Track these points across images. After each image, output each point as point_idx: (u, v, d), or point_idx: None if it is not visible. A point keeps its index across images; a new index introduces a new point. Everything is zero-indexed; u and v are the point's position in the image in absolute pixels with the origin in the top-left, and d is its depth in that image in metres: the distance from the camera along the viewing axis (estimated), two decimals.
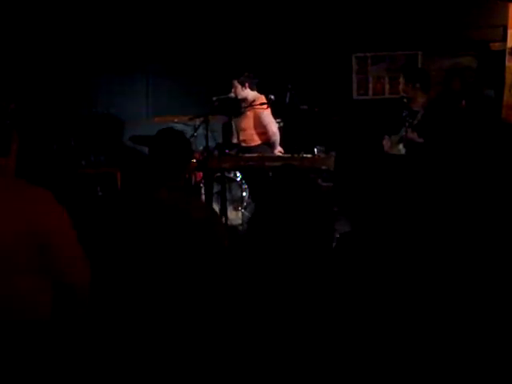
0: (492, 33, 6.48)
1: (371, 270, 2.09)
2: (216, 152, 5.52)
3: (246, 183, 5.97)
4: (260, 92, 5.95)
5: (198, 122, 5.49)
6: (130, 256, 2.58)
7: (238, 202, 5.95)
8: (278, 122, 6.06)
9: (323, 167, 5.08)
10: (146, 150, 2.98)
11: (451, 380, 1.94)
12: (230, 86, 5.93)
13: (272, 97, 5.60)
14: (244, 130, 5.98)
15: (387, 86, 6.95)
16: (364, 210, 5.06)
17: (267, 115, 5.86)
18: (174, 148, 2.70)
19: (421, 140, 4.89)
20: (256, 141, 5.94)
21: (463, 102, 6.23)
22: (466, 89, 6.68)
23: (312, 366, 1.89)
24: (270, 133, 5.88)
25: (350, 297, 1.96)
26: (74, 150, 6.49)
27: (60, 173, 5.88)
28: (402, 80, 5.39)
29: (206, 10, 6.78)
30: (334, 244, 2.12)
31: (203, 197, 5.51)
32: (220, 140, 6.27)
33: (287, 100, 5.69)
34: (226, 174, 5.64)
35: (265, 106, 5.72)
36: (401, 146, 5.07)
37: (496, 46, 6.47)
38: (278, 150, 5.93)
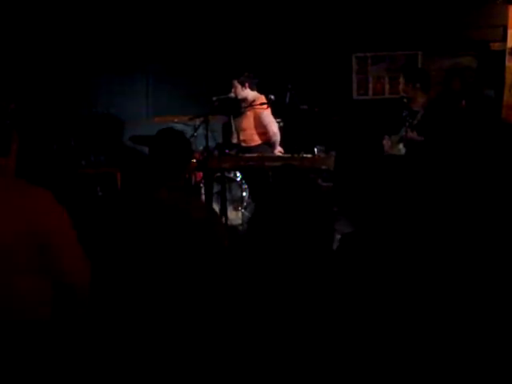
0: (492, 33, 6.49)
1: (375, 271, 2.08)
2: (216, 152, 5.52)
3: (246, 183, 5.97)
4: (260, 92, 5.94)
5: (198, 122, 5.49)
6: (129, 256, 2.58)
7: (238, 202, 5.95)
8: (278, 122, 6.05)
9: (323, 167, 5.08)
10: (146, 149, 2.99)
11: (455, 380, 1.94)
12: (230, 86, 5.93)
13: (272, 97, 5.60)
14: (244, 129, 5.98)
15: (387, 86, 6.95)
16: (364, 210, 5.06)
17: (267, 115, 5.85)
18: (174, 148, 2.70)
19: (421, 138, 4.89)
20: (256, 141, 5.93)
21: (463, 102, 6.23)
22: (465, 89, 6.69)
23: (313, 367, 1.89)
24: (271, 133, 5.88)
25: (352, 298, 1.96)
26: (74, 149, 6.49)
27: (60, 173, 5.88)
28: (402, 80, 5.40)
29: (205, 10, 6.79)
30: (334, 244, 2.12)
31: (203, 197, 5.50)
32: (220, 140, 6.27)
33: (287, 100, 5.69)
34: (226, 174, 5.64)
35: (265, 106, 5.72)
36: (401, 146, 5.07)
37: (496, 45, 6.48)
38: (278, 150, 5.93)
